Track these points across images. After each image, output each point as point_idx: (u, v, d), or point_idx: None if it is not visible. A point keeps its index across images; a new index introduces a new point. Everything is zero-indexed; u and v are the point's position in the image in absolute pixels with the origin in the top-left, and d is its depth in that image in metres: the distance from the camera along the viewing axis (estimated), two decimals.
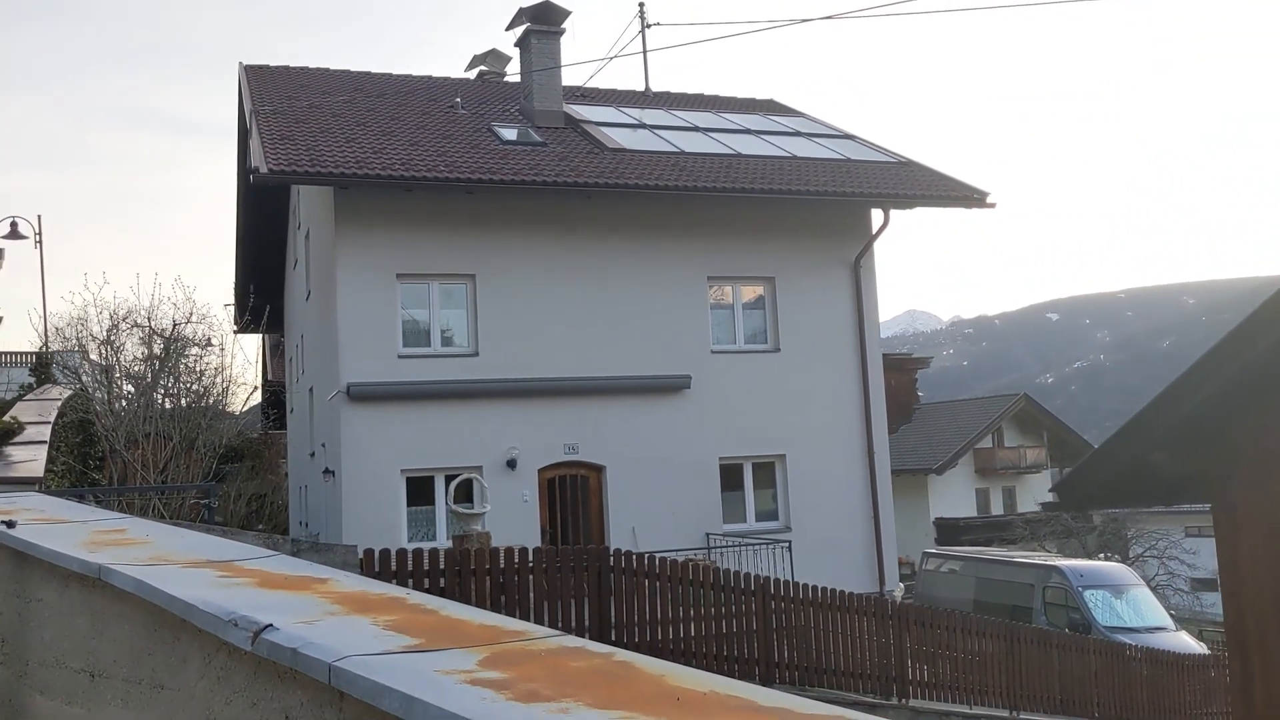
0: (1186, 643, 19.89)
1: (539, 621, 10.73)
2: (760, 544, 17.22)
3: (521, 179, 17.21)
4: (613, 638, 11.04)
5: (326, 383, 18.85)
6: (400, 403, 17.36)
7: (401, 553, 9.87)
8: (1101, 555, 35.08)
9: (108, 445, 13.51)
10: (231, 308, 26.68)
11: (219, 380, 18.90)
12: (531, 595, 10.48)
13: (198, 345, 19.84)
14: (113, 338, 15.21)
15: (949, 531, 40.97)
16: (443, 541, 17.64)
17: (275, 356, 32.99)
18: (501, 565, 10.19)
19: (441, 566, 9.95)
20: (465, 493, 17.27)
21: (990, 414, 46.44)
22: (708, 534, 18.48)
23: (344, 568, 9.83)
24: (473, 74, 25.08)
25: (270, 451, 31.21)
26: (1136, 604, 20.55)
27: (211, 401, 16.78)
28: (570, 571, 10.79)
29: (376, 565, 9.66)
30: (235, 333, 26.42)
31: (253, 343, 33.51)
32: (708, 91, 25.96)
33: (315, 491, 20.78)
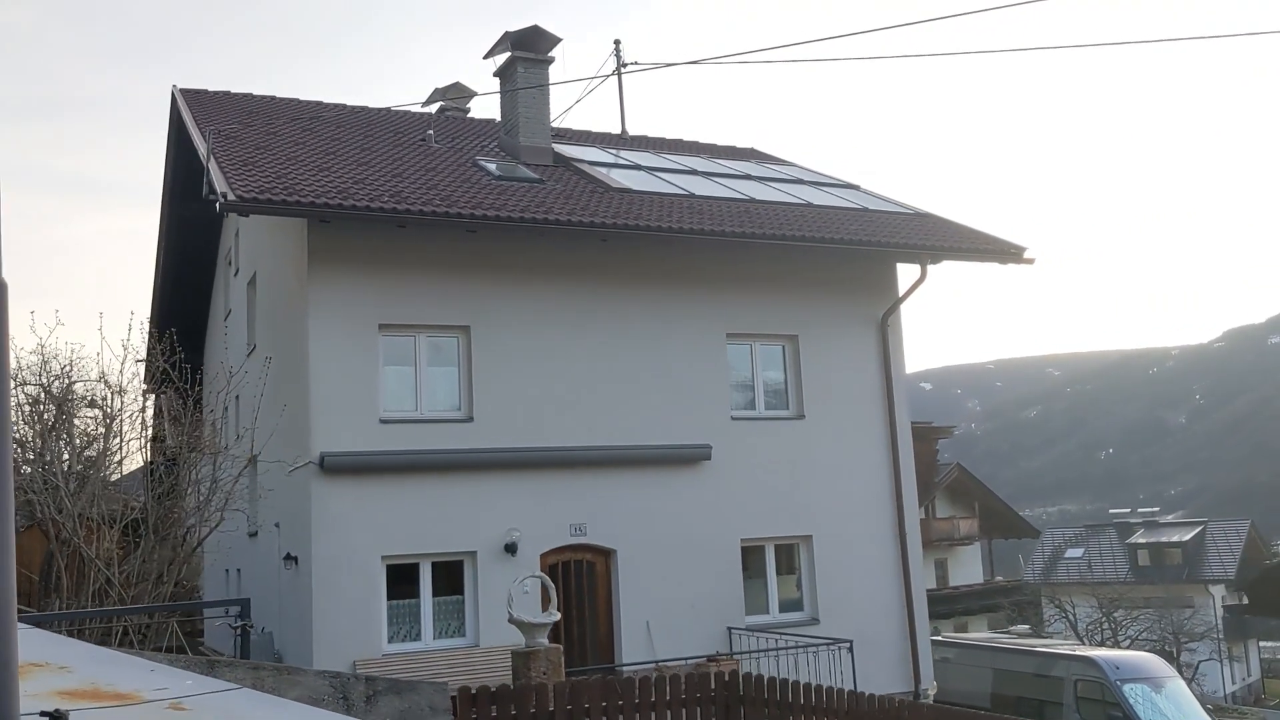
0: None
1: None
2: (821, 644, 14.88)
3: (534, 217, 14.84)
4: None
5: (281, 451, 15.98)
6: (381, 476, 14.67)
7: (504, 691, 7.30)
8: (1019, 627, 33.74)
9: (55, 537, 10.52)
10: (143, 364, 23.44)
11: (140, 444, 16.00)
12: None
13: (93, 405, 16.99)
14: (61, 393, 12.22)
15: None
16: (429, 642, 14.93)
17: (177, 419, 29.45)
18: (638, 699, 7.71)
19: (551, 708, 7.39)
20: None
21: (924, 484, 45.18)
22: (729, 628, 16.12)
23: (430, 711, 7.26)
24: (433, 108, 22.64)
25: (173, 518, 27.70)
26: (1177, 699, 18.82)
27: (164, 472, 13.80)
28: (696, 703, 8.38)
29: (475, 709, 7.09)
30: (145, 393, 23.24)
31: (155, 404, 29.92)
32: (685, 138, 24.01)
33: (259, 579, 17.73)
